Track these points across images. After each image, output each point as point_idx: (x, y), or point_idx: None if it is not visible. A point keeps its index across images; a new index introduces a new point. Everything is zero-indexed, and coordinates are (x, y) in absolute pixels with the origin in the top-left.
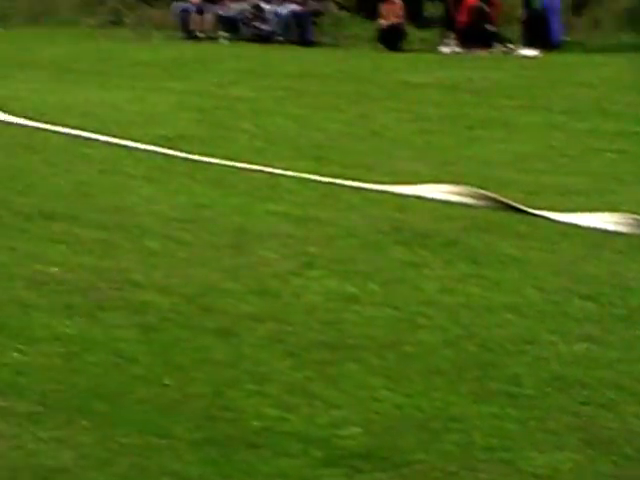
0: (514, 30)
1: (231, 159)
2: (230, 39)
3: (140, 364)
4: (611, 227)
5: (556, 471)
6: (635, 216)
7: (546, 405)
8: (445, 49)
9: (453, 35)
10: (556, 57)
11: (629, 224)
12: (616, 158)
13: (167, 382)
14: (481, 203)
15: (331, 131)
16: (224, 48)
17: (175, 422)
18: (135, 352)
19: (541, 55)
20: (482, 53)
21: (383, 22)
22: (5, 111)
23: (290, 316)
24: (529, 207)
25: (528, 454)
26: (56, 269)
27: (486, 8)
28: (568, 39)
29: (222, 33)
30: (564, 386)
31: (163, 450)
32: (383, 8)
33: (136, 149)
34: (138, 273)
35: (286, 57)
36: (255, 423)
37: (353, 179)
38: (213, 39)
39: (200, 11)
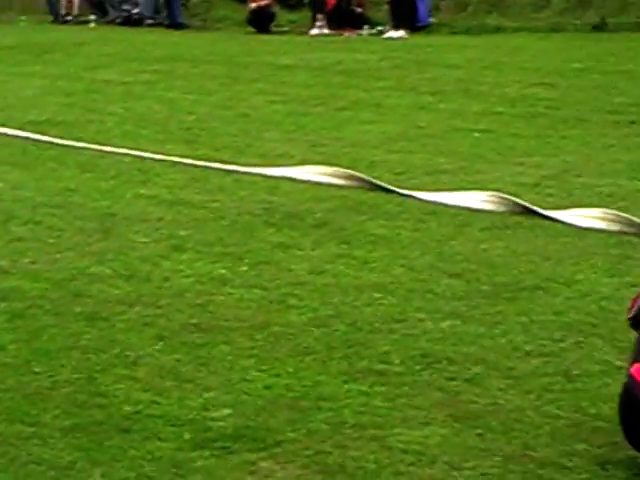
0: (382, 12)
1: (101, 143)
2: (99, 22)
3: (8, 352)
4: (477, 205)
5: (424, 446)
6: (500, 194)
7: (414, 382)
8: (314, 31)
9: (322, 17)
10: (423, 39)
11: (494, 202)
12: (481, 138)
13: (36, 369)
14: (351, 184)
15: (201, 114)
16: (93, 31)
17: (45, 410)
18: (2, 340)
19: (408, 37)
20: (351, 35)
21: (252, 4)
22: None
23: (160, 299)
24: (398, 187)
25: (397, 430)
26: None
27: None
28: (434, 21)
29: (91, 17)
30: (432, 363)
31: (33, 438)
32: None
33: (3, 134)
34: (4, 259)
35: (156, 40)
36: (126, 408)
37: (223, 161)
38: (83, 23)
39: None
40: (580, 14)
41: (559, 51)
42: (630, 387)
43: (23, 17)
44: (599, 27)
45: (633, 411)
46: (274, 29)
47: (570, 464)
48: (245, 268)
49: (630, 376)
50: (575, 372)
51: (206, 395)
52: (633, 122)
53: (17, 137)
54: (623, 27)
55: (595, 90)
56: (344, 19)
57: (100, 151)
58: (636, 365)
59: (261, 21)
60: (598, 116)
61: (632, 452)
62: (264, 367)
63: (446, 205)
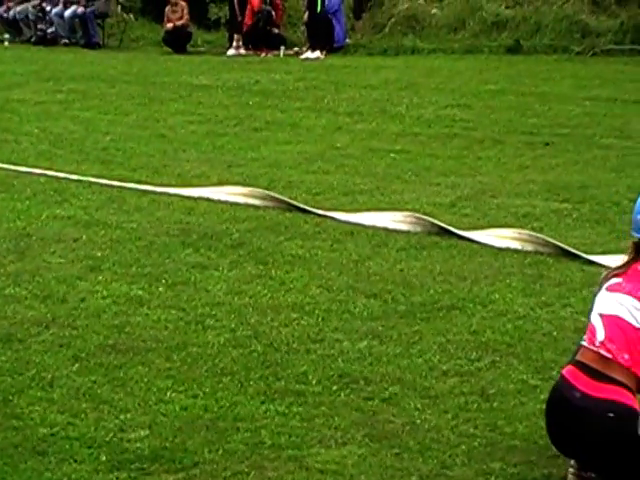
0: (299, 33)
1: (15, 163)
2: (13, 41)
3: None
4: (394, 225)
5: (342, 466)
6: (416, 214)
7: (332, 402)
8: (231, 51)
9: (238, 37)
10: (339, 59)
11: (411, 222)
12: (398, 158)
13: None
14: (268, 204)
15: (117, 134)
16: (7, 51)
17: None
18: None
19: (325, 57)
20: (268, 55)
21: (169, 24)
22: None
23: (76, 320)
24: (315, 207)
25: (315, 450)
26: None
27: (271, 11)
28: (351, 42)
29: (5, 36)
30: (349, 383)
31: None
32: (168, 10)
33: None
34: None
35: (71, 60)
36: (42, 430)
37: (140, 182)
38: None
39: None
40: (495, 36)
41: (474, 73)
42: (559, 386)
43: None
44: (513, 49)
45: (559, 409)
46: (191, 49)
47: None
48: (162, 289)
49: (561, 376)
50: (491, 391)
51: (123, 416)
52: (547, 143)
53: None
54: (537, 49)
55: (510, 111)
56: (261, 39)
57: (15, 171)
58: (568, 366)
59: (178, 41)
60: (513, 137)
61: (547, 470)
62: (181, 388)
63: (363, 225)
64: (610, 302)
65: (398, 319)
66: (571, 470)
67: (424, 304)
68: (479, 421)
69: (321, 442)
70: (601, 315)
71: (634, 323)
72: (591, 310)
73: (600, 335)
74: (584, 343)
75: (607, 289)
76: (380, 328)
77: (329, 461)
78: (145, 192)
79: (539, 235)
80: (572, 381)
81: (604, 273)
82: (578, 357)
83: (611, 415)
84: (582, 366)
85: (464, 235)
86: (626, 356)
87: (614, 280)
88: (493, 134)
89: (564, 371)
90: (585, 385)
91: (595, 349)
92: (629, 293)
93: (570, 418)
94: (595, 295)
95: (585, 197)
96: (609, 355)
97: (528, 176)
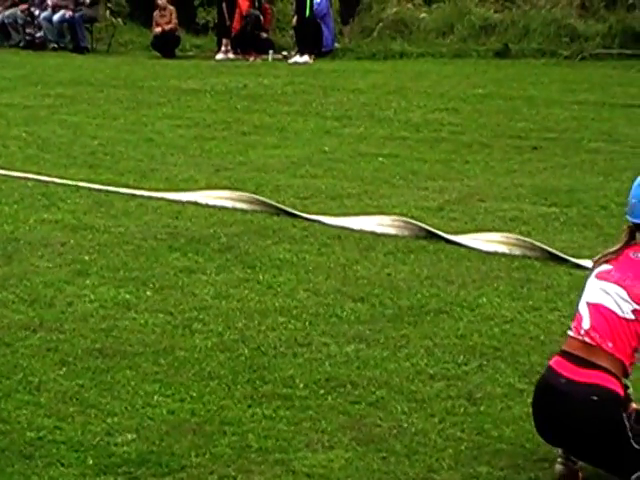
0: (287, 37)
1: (3, 167)
2: (1, 46)
3: None
4: (381, 229)
5: (329, 470)
6: (404, 218)
7: (318, 406)
8: (219, 56)
9: (227, 42)
10: (328, 64)
11: (398, 226)
12: (386, 162)
13: None
14: (255, 208)
15: (105, 138)
16: None
17: None
18: None
19: (313, 62)
20: (256, 60)
21: (157, 29)
22: None
23: (64, 324)
24: (302, 211)
25: (302, 454)
26: None
27: (260, 15)
28: (339, 46)
29: None
30: (336, 386)
31: None
32: (157, 15)
33: None
34: None
35: (59, 64)
36: (29, 434)
37: (127, 186)
38: None
39: None
40: (483, 40)
41: (463, 77)
42: (545, 375)
43: None
44: (502, 53)
45: (545, 396)
46: (179, 53)
47: None
48: (150, 293)
49: (548, 366)
50: (478, 395)
51: (110, 420)
52: (535, 147)
53: None
54: (525, 53)
55: (498, 115)
56: (249, 44)
57: (2, 175)
58: (555, 357)
59: (166, 45)
60: (501, 141)
61: (534, 474)
62: (168, 392)
63: (351, 229)
64: (597, 291)
65: (385, 323)
66: (559, 460)
67: (411, 308)
68: (466, 425)
69: (308, 446)
70: (588, 304)
71: (618, 312)
72: (580, 297)
73: (585, 324)
74: (570, 333)
75: (596, 276)
76: (367, 332)
77: (316, 465)
78: (133, 196)
79: (526, 239)
80: (557, 369)
81: (597, 257)
82: (564, 347)
83: (595, 398)
84: (567, 355)
85: (452, 239)
86: (610, 344)
87: (604, 267)
88: (481, 138)
89: (551, 362)
90: (570, 371)
91: (580, 337)
92: (616, 282)
93: (555, 403)
94: (586, 280)
95: (573, 201)
96: (593, 343)
97: (516, 180)
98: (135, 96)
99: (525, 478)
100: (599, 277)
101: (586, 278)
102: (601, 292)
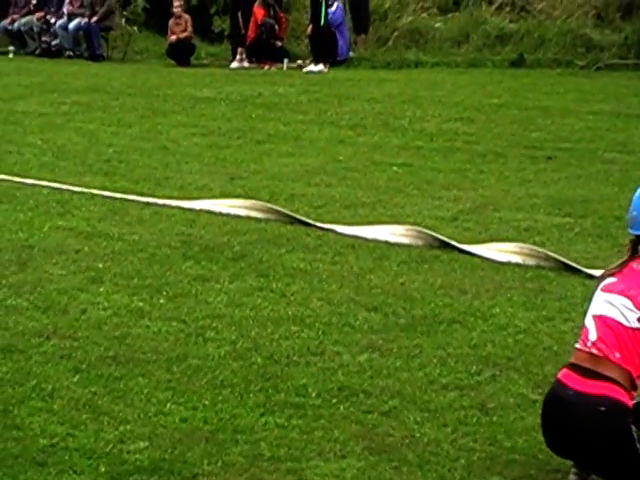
0: (302, 46)
1: (18, 175)
2: (18, 53)
3: None
4: (395, 239)
5: (341, 479)
6: (418, 228)
7: (331, 415)
8: (234, 64)
9: (242, 50)
10: (343, 73)
11: (412, 236)
12: (400, 171)
13: None
14: (269, 217)
15: (120, 146)
16: (11, 62)
17: None
18: None
19: (328, 71)
20: (271, 68)
21: (172, 37)
22: None
23: (77, 332)
24: (316, 220)
25: (314, 463)
26: None
27: (275, 24)
28: (354, 55)
29: (10, 48)
30: (349, 395)
31: None
32: (172, 23)
33: None
34: None
35: (75, 72)
36: (42, 441)
37: (142, 194)
38: (1, 54)
39: None
40: (498, 50)
41: (477, 86)
42: (553, 388)
43: None
44: (517, 63)
45: (553, 408)
46: (194, 62)
47: None
48: (163, 301)
49: (556, 379)
50: (491, 405)
51: (122, 428)
52: (550, 157)
53: None
54: (540, 63)
55: (513, 125)
56: (264, 52)
57: (18, 182)
58: (563, 370)
59: (181, 54)
60: (516, 151)
61: None
62: (181, 400)
63: (364, 238)
64: (602, 303)
65: (398, 332)
66: (573, 470)
67: (425, 317)
68: (478, 435)
69: (320, 455)
70: (594, 316)
71: (624, 322)
72: (586, 312)
73: (592, 336)
74: (577, 345)
75: (602, 289)
76: (380, 341)
77: (328, 474)
78: (147, 204)
79: (540, 249)
80: (565, 381)
81: (602, 272)
82: (571, 359)
83: (602, 409)
84: (575, 367)
85: (465, 249)
86: (617, 354)
87: (609, 280)
88: (496, 148)
89: (559, 374)
90: (577, 383)
91: (587, 349)
92: (621, 292)
93: (563, 415)
94: (592, 295)
95: (587, 211)
96: (600, 354)
97: (530, 190)
98: (150, 104)
99: None
100: (604, 290)
101: (592, 293)
102: (606, 304)
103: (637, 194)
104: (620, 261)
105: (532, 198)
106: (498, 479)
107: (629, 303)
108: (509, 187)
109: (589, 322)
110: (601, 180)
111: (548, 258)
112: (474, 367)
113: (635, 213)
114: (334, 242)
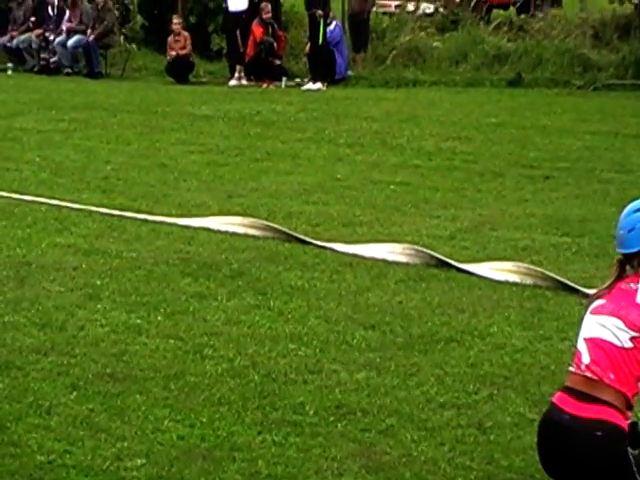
0: (301, 64)
1: (16, 191)
2: (17, 70)
3: None
4: (393, 257)
5: None
6: (415, 246)
7: (328, 433)
8: (233, 82)
9: (240, 68)
10: (341, 91)
11: (409, 254)
12: (398, 190)
13: None
14: (267, 234)
15: (118, 163)
16: (10, 79)
17: None
18: None
19: (326, 89)
20: (269, 86)
21: (171, 53)
22: None
23: (75, 348)
24: (314, 238)
25: None
26: None
27: (273, 42)
28: (353, 74)
29: (9, 64)
30: (346, 414)
31: None
32: (171, 40)
33: None
34: None
35: (73, 89)
36: (39, 457)
37: (140, 211)
38: (0, 70)
39: None
40: (496, 69)
41: (475, 105)
42: (549, 412)
43: None
44: (515, 82)
45: (549, 433)
46: (193, 79)
47: None
48: (161, 318)
49: (551, 403)
50: (488, 424)
51: (120, 445)
52: (547, 177)
53: None
54: (539, 83)
55: (511, 144)
56: (263, 70)
57: (16, 199)
58: (557, 393)
59: (180, 71)
60: (513, 170)
61: None
62: (178, 417)
63: (362, 257)
64: (593, 325)
65: (396, 351)
66: None
67: (422, 336)
68: (476, 454)
69: (317, 473)
70: (585, 339)
71: (616, 342)
72: (578, 335)
73: (585, 359)
74: (571, 369)
75: (591, 312)
76: (378, 359)
77: None
78: (145, 221)
79: (538, 268)
80: (560, 405)
81: (591, 295)
82: (566, 383)
83: (599, 434)
84: (569, 390)
85: (463, 268)
86: (612, 376)
87: (598, 302)
88: (493, 167)
89: (553, 398)
90: (573, 407)
91: (581, 373)
92: (611, 313)
93: (559, 440)
94: (581, 318)
95: (585, 231)
96: (595, 377)
97: (528, 209)
98: (148, 121)
99: None
100: (594, 312)
101: (582, 316)
102: (597, 326)
103: (624, 213)
104: (607, 282)
105: (530, 217)
106: None
107: (620, 323)
108: (507, 206)
109: (581, 346)
110: (598, 200)
111: (545, 277)
112: (471, 386)
113: (622, 232)
114: (332, 260)
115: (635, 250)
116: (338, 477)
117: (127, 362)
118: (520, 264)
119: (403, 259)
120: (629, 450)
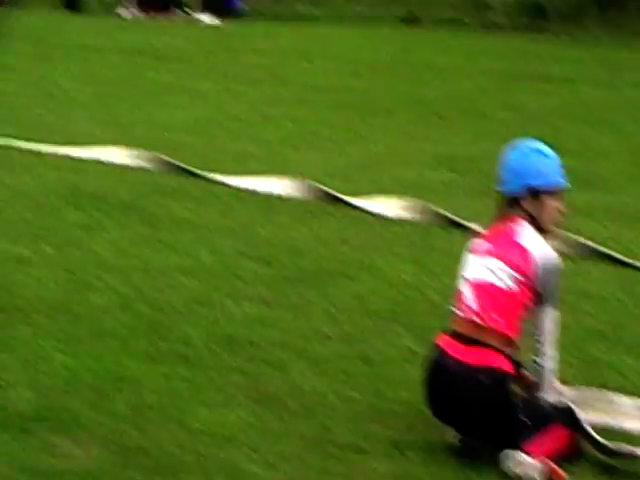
0: None
1: None
2: None
3: None
4: (283, 191)
5: (225, 428)
6: (306, 181)
7: (215, 364)
8: (125, 13)
9: None
10: (235, 25)
11: (300, 189)
12: (290, 125)
13: None
14: (157, 167)
15: (7, 93)
16: None
17: None
18: None
19: (221, 23)
20: (162, 18)
21: None
22: None
23: None
24: (205, 171)
25: (197, 412)
26: None
27: None
28: (246, 7)
29: None
30: (234, 346)
31: None
32: None
33: None
34: None
35: None
36: None
37: (29, 141)
38: None
39: None
40: (390, 7)
41: (369, 42)
42: (435, 356)
43: None
44: (409, 20)
45: (436, 379)
46: (84, 9)
47: (367, 446)
48: (48, 249)
49: (436, 345)
50: (376, 357)
51: (5, 376)
52: (439, 115)
53: None
54: (433, 21)
55: (403, 82)
56: (155, 1)
57: None
58: (442, 336)
59: (71, 1)
60: (405, 108)
61: (427, 435)
62: (64, 348)
63: (253, 191)
64: (477, 267)
65: (286, 285)
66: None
67: (312, 271)
68: (362, 386)
69: (204, 404)
70: (470, 283)
71: (501, 285)
72: (459, 275)
73: (471, 303)
74: (457, 312)
75: (472, 251)
76: (268, 293)
77: (212, 423)
78: (34, 152)
79: (429, 205)
80: (447, 350)
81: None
82: (452, 326)
83: (483, 380)
84: (456, 334)
85: (353, 203)
86: (498, 319)
87: (478, 241)
88: (385, 104)
89: (439, 341)
90: (459, 353)
91: (467, 317)
92: (492, 254)
93: (446, 386)
94: (463, 256)
95: (473, 169)
96: (481, 322)
97: (418, 146)
98: (38, 51)
99: (418, 438)
100: (475, 252)
101: (463, 255)
102: (482, 268)
103: (507, 153)
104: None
105: (420, 154)
106: (381, 429)
107: (502, 264)
108: (398, 143)
109: (465, 288)
110: (487, 138)
111: (435, 214)
112: (359, 320)
113: (502, 171)
114: (223, 194)
115: (513, 190)
116: (225, 408)
117: (12, 293)
118: (410, 200)
119: (294, 194)
120: (513, 391)
